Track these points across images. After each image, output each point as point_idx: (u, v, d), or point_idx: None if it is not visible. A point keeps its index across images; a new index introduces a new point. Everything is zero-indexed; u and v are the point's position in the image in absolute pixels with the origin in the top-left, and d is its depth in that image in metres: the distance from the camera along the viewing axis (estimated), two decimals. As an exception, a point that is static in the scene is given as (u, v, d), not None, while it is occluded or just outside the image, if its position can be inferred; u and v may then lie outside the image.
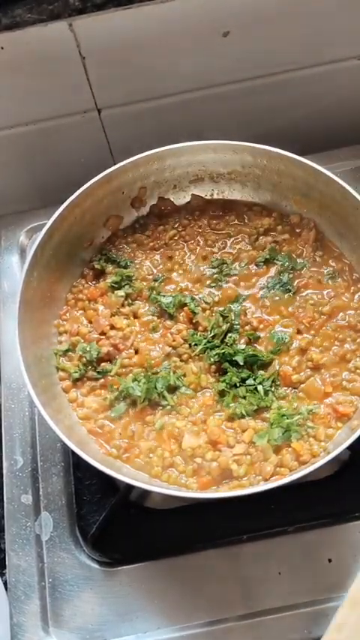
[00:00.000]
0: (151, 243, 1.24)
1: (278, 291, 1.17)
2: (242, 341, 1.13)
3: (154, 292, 1.18)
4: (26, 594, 1.07)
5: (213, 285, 1.19)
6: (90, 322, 1.16)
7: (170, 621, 1.04)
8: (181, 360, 1.12)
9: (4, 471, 1.17)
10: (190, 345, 1.13)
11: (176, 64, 1.28)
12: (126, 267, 1.21)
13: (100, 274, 1.21)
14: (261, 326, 1.14)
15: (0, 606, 1.05)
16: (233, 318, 1.14)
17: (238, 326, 1.14)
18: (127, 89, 1.32)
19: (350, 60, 1.35)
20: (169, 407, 1.07)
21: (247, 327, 1.14)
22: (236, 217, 1.26)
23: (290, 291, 1.17)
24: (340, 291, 1.16)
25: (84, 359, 1.12)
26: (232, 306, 1.16)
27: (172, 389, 1.09)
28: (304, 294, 1.17)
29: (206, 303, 1.17)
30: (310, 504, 1.09)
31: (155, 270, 1.22)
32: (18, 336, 1.04)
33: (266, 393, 1.07)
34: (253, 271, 1.20)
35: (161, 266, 1.22)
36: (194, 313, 1.15)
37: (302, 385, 1.08)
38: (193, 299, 1.17)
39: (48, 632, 1.05)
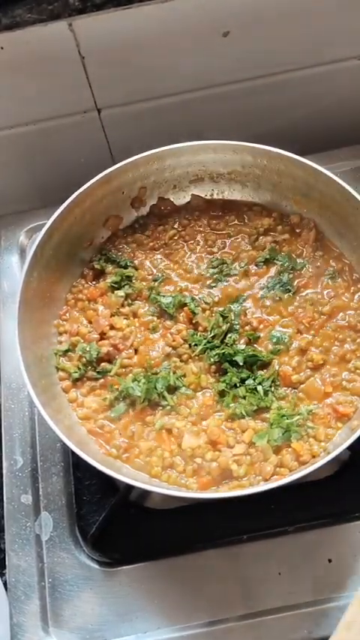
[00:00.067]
0: (151, 243, 1.24)
1: (278, 291, 1.17)
2: (242, 341, 1.13)
3: (154, 292, 1.18)
4: (26, 594, 1.07)
5: (213, 285, 1.19)
6: (90, 322, 1.16)
7: (170, 621, 1.04)
8: (181, 361, 1.12)
9: (4, 471, 1.17)
10: (190, 345, 1.13)
11: (176, 64, 1.28)
12: (126, 267, 1.21)
13: (100, 274, 1.21)
14: (261, 326, 1.14)
15: (0, 606, 1.05)
16: (233, 318, 1.14)
17: (238, 326, 1.14)
18: (127, 89, 1.32)
19: (350, 60, 1.35)
20: (168, 407, 1.07)
21: (247, 327, 1.14)
22: (236, 217, 1.25)
23: (290, 291, 1.17)
24: (340, 291, 1.16)
25: (84, 359, 1.12)
26: (232, 307, 1.16)
27: (172, 389, 1.09)
28: (304, 294, 1.17)
29: (206, 303, 1.17)
30: (310, 504, 1.09)
31: (155, 270, 1.22)
32: (18, 336, 1.04)
33: (266, 393, 1.07)
34: (253, 271, 1.20)
35: (161, 266, 1.22)
36: (194, 313, 1.15)
37: (302, 385, 1.08)
38: (193, 299, 1.17)
39: (48, 632, 1.05)
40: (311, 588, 1.04)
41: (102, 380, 1.11)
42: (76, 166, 1.37)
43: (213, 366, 1.11)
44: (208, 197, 1.28)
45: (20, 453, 1.18)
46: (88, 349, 1.12)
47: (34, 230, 1.38)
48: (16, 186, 1.47)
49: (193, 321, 1.15)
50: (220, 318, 1.14)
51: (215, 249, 1.23)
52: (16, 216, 1.42)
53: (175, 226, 1.25)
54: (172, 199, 1.27)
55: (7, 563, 1.10)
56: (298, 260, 1.20)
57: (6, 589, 1.08)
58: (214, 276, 1.20)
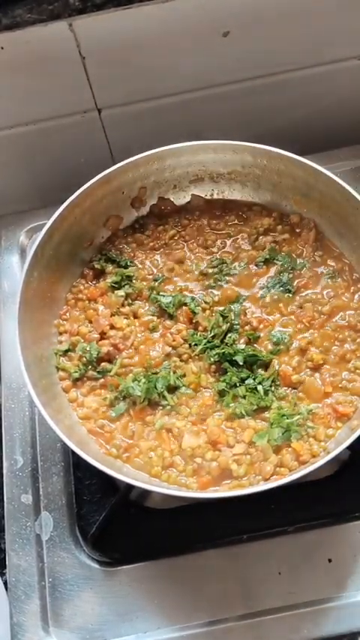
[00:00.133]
0: (151, 243, 1.24)
1: (278, 291, 1.17)
2: (242, 341, 1.13)
3: (154, 292, 1.18)
4: (26, 594, 1.07)
5: (213, 285, 1.19)
6: (90, 322, 1.16)
7: (170, 621, 1.04)
8: (181, 360, 1.12)
9: (4, 471, 1.17)
10: (190, 345, 1.13)
11: (176, 64, 1.28)
12: (126, 267, 1.21)
13: (100, 274, 1.21)
14: (261, 326, 1.14)
15: (0, 606, 1.05)
16: (233, 318, 1.14)
17: (238, 326, 1.14)
18: (127, 89, 1.32)
19: (350, 60, 1.35)
20: (169, 407, 1.07)
21: (246, 327, 1.14)
22: (236, 217, 1.26)
23: (290, 291, 1.17)
24: (340, 291, 1.16)
25: (84, 359, 1.12)
26: (232, 306, 1.16)
27: (172, 389, 1.09)
28: (303, 294, 1.17)
29: (206, 303, 1.17)
30: (310, 504, 1.09)
31: (155, 270, 1.22)
32: (18, 336, 1.04)
33: (266, 392, 1.07)
34: (253, 271, 1.20)
35: (161, 266, 1.22)
36: (194, 313, 1.15)
37: (302, 385, 1.08)
38: (193, 299, 1.17)
39: (48, 631, 1.05)
40: (311, 588, 1.04)
41: (102, 380, 1.11)
42: (76, 166, 1.38)
43: (213, 366, 1.11)
44: (208, 197, 1.28)
45: (20, 452, 1.18)
46: (88, 349, 1.12)
47: (35, 230, 1.38)
48: (16, 186, 1.47)
49: (193, 321, 1.15)
50: (220, 318, 1.14)
51: (215, 249, 1.23)
52: (16, 216, 1.42)
53: (176, 226, 1.26)
54: (172, 199, 1.27)
55: (7, 562, 1.10)
56: (298, 260, 1.20)
57: (6, 589, 1.08)
58: (214, 276, 1.20)
